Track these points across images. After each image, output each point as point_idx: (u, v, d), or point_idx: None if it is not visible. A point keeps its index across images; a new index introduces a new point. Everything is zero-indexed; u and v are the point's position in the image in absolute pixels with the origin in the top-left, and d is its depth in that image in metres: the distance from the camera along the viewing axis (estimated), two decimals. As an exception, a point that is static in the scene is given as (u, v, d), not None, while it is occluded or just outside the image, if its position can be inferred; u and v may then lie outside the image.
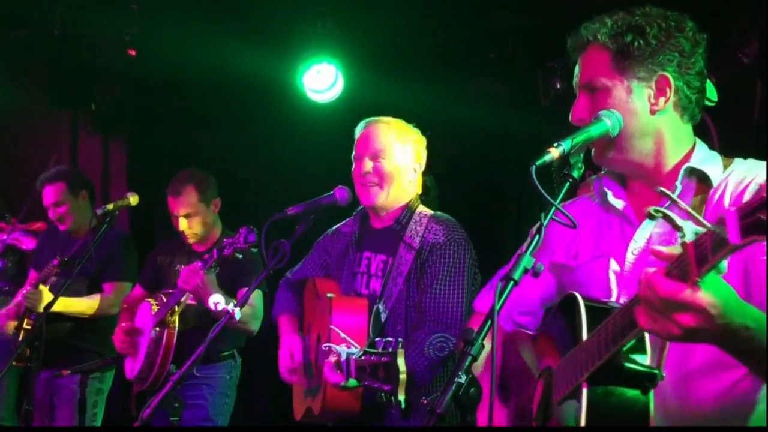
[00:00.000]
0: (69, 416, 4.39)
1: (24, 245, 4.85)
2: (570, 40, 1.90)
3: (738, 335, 1.38)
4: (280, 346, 3.19)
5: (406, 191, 3.13)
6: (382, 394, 2.23)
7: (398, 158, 3.09)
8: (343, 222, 3.33)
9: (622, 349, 1.48)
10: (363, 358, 2.35)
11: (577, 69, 1.90)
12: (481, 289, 3.04)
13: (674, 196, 1.44)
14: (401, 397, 2.19)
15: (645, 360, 1.52)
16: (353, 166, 3.15)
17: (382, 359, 2.24)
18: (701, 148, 1.85)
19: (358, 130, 3.18)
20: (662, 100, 1.81)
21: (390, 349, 2.24)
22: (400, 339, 2.26)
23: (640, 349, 1.53)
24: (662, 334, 1.40)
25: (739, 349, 1.44)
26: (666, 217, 1.35)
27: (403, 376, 2.18)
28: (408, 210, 3.11)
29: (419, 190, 3.21)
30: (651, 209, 1.39)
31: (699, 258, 1.27)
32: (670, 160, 1.83)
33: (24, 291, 4.29)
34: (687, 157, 1.82)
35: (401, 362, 2.19)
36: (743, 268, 1.64)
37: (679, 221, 1.32)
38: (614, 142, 1.80)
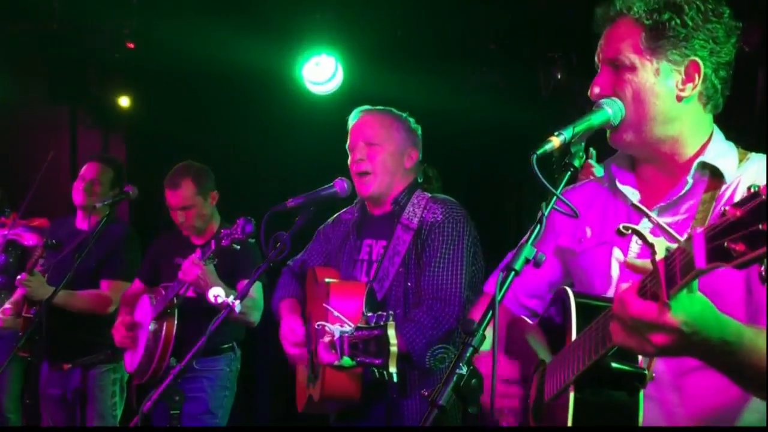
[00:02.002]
0: (91, 408, 4.40)
1: (25, 241, 4.82)
2: (599, 10, 1.80)
3: (716, 350, 1.36)
4: (280, 326, 3.16)
5: (402, 179, 3.12)
6: (375, 369, 2.20)
7: (392, 146, 3.09)
8: (344, 210, 3.32)
9: (608, 354, 1.45)
10: (356, 334, 2.33)
11: (601, 41, 1.80)
12: (481, 269, 3.08)
13: (647, 210, 1.42)
14: (392, 369, 2.15)
15: (636, 359, 1.50)
16: (349, 156, 3.14)
17: (373, 332, 2.22)
18: (717, 139, 1.78)
19: (352, 119, 3.17)
20: (690, 86, 1.72)
21: (381, 322, 2.21)
22: (391, 312, 2.23)
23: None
24: (637, 351, 1.38)
25: (719, 363, 1.43)
26: (636, 233, 1.33)
27: (393, 348, 2.14)
28: (407, 192, 3.10)
29: (418, 178, 3.20)
30: (621, 226, 1.37)
31: (668, 278, 1.25)
32: (688, 150, 1.76)
33: (20, 278, 4.28)
34: (702, 149, 1.76)
35: (392, 334, 2.15)
36: (746, 277, 1.61)
37: (650, 237, 1.29)
38: (633, 125, 1.73)
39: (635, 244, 1.78)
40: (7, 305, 4.46)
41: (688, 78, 1.73)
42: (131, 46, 5.44)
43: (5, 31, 5.49)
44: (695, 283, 1.26)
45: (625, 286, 1.35)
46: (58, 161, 5.18)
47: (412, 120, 3.20)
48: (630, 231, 1.35)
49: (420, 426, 1.41)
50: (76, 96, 6.06)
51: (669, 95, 1.73)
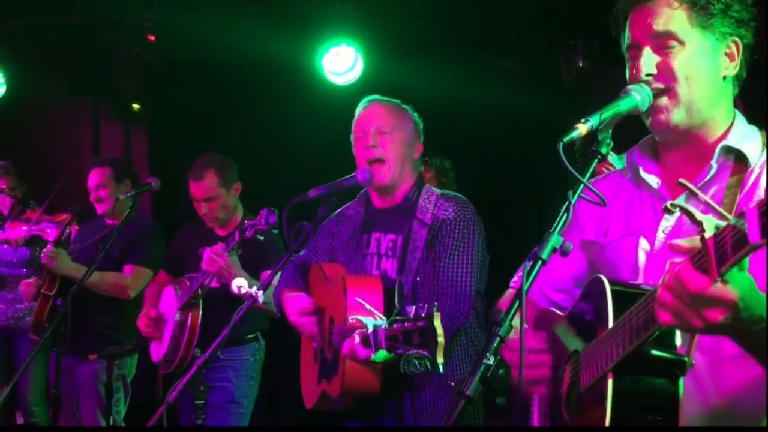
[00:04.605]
0: (91, 403, 4.43)
1: (49, 236, 4.88)
2: None
3: (754, 327, 1.36)
4: (285, 308, 3.14)
5: (412, 169, 3.14)
6: (416, 362, 2.18)
7: (403, 135, 3.10)
8: (346, 205, 3.31)
9: (649, 340, 1.44)
10: (394, 326, 2.30)
11: (638, 19, 1.76)
12: (487, 265, 3.07)
13: (694, 188, 1.40)
14: (440, 360, 2.15)
15: (675, 346, 1.48)
16: (354, 145, 3.14)
17: (418, 324, 2.19)
18: (740, 123, 1.78)
19: (360, 108, 3.18)
20: (732, 65, 1.74)
21: (424, 314, 2.20)
22: (435, 303, 2.22)
23: (669, 335, 1.49)
24: (683, 328, 1.38)
25: (753, 343, 1.42)
26: (684, 211, 1.32)
27: (441, 339, 2.13)
28: (416, 188, 3.11)
29: (421, 169, 3.23)
30: (668, 204, 1.36)
31: (719, 255, 1.24)
32: (717, 132, 1.75)
33: (46, 250, 4.34)
34: (726, 133, 1.75)
35: (438, 325, 2.14)
36: None
37: (698, 215, 1.28)
38: (686, 103, 1.71)
39: (662, 233, 1.76)
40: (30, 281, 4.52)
41: (731, 57, 1.74)
42: (152, 38, 5.46)
43: (26, 25, 5.53)
44: (746, 262, 1.26)
45: (678, 260, 1.34)
46: (81, 154, 5.22)
47: (416, 114, 3.21)
48: (678, 209, 1.34)
49: (422, 426, 1.41)
50: (98, 89, 6.09)
51: (717, 73, 1.74)
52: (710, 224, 1.27)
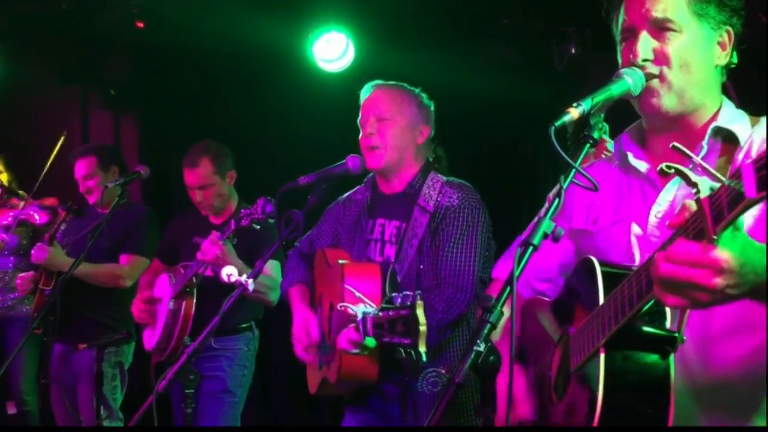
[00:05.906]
0: (88, 390, 4.42)
1: (36, 220, 4.85)
2: None
3: (764, 278, 1.33)
4: (293, 319, 3.14)
5: (415, 155, 3.10)
6: (401, 350, 2.19)
7: (403, 121, 3.06)
8: (354, 190, 3.29)
9: (640, 312, 1.44)
10: (380, 314, 2.30)
11: (629, 2, 1.76)
12: (497, 256, 3.05)
13: (689, 152, 1.40)
14: (422, 349, 2.15)
15: (665, 323, 1.48)
16: (360, 131, 3.12)
17: (401, 312, 2.20)
18: (728, 107, 1.80)
19: (364, 94, 3.15)
20: (724, 55, 1.77)
21: (408, 302, 2.19)
22: (419, 291, 2.22)
23: (659, 312, 1.49)
24: (692, 305, 1.34)
25: None
26: (679, 172, 1.32)
27: (423, 328, 2.13)
28: (421, 175, 3.08)
29: (429, 157, 3.18)
30: (663, 165, 1.36)
31: (715, 214, 1.23)
32: (706, 117, 1.77)
33: (36, 247, 4.31)
34: (715, 116, 1.76)
35: (420, 314, 2.14)
36: None
37: (694, 177, 1.28)
38: (678, 91, 1.72)
39: (654, 218, 1.76)
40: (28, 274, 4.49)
41: (722, 46, 1.76)
42: (140, 25, 5.41)
43: (14, 13, 5.47)
44: (741, 223, 1.24)
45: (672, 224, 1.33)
46: (70, 143, 5.18)
47: (424, 96, 3.17)
48: (673, 170, 1.33)
49: (421, 427, 1.40)
50: (87, 77, 6.04)
51: (710, 62, 1.75)
52: (705, 186, 1.26)
